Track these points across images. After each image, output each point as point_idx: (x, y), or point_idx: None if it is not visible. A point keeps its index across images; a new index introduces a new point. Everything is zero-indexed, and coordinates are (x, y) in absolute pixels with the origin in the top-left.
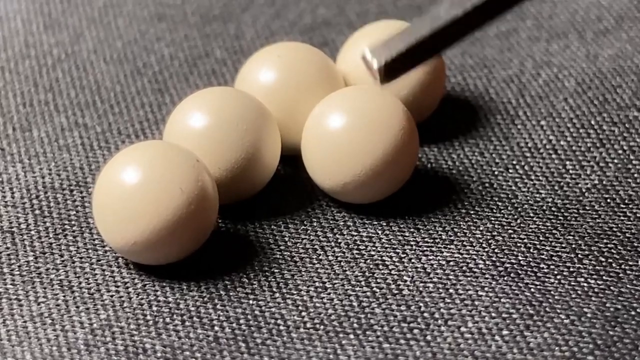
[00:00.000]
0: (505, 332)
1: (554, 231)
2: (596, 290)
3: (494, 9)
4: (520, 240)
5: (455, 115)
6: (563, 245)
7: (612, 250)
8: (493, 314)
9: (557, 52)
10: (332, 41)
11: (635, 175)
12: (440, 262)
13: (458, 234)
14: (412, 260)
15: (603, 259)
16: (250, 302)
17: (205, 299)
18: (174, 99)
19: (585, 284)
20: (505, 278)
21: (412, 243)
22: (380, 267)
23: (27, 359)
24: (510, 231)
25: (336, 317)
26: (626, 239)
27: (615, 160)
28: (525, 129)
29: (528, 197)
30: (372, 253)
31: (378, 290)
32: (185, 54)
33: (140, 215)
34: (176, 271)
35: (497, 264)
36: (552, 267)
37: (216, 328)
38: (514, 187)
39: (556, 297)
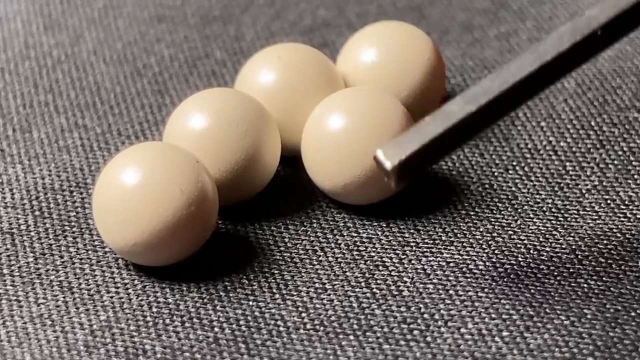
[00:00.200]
0: (505, 333)
1: (554, 232)
2: (596, 291)
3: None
4: (520, 242)
5: None
6: (563, 247)
7: (612, 252)
8: (493, 315)
9: None
10: (332, 42)
11: (636, 176)
12: (440, 263)
13: (458, 235)
14: (412, 262)
15: (603, 260)
16: (250, 303)
17: (205, 300)
18: (174, 100)
19: (585, 285)
20: (505, 279)
21: (412, 244)
22: (380, 268)
23: None
24: (510, 232)
25: (336, 318)
26: (626, 240)
27: (615, 162)
28: (525, 130)
29: (528, 198)
30: (372, 254)
31: (378, 291)
32: (185, 55)
33: (140, 216)
34: (176, 272)
35: (497, 265)
36: (552, 268)
37: (216, 329)
38: (514, 188)
39: (556, 298)
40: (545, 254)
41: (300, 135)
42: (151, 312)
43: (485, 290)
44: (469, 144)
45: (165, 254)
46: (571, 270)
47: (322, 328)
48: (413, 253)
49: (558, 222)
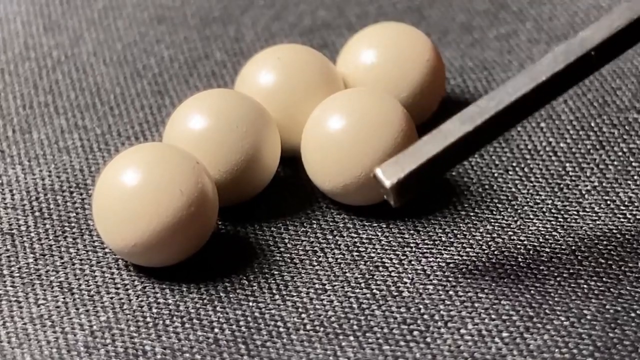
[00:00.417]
0: (505, 334)
1: (553, 233)
2: (596, 292)
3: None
4: (520, 242)
5: None
6: (563, 247)
7: (612, 252)
8: (493, 316)
9: None
10: (331, 43)
11: (635, 177)
12: (440, 264)
13: (458, 235)
14: (412, 262)
15: (603, 261)
16: (250, 304)
17: (205, 300)
18: (174, 101)
19: (585, 286)
20: (505, 280)
21: (412, 245)
22: (380, 269)
23: None
24: (510, 233)
25: (336, 319)
26: (626, 241)
27: (615, 162)
28: (525, 130)
29: (528, 199)
30: (372, 255)
31: (378, 292)
32: (185, 56)
33: (140, 217)
34: (176, 273)
35: (497, 265)
36: (552, 268)
37: (216, 330)
38: (513, 189)
39: (556, 299)
40: (545, 254)
41: (300, 136)
42: (151, 313)
43: (485, 291)
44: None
45: (165, 254)
46: (571, 271)
47: (322, 329)
48: (413, 254)
49: (558, 223)
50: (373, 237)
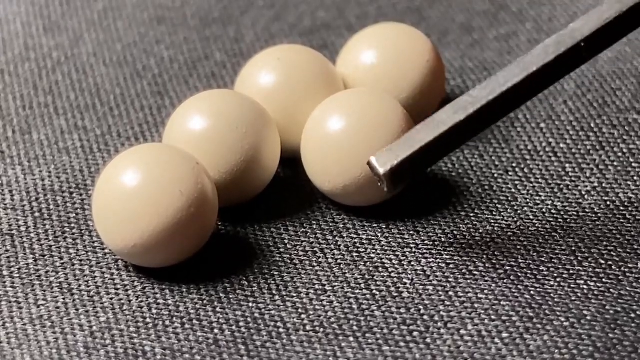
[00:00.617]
0: (505, 334)
1: (553, 234)
2: (596, 292)
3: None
4: (519, 243)
5: None
6: (563, 248)
7: (612, 253)
8: (493, 317)
9: None
10: (331, 44)
11: (635, 177)
12: (440, 264)
13: (458, 236)
14: (412, 263)
15: (603, 262)
16: (250, 304)
17: (205, 301)
18: (174, 101)
19: (585, 287)
20: (505, 281)
21: (411, 245)
22: (380, 269)
23: None
24: (509, 234)
25: (336, 320)
26: (626, 242)
27: (615, 163)
28: (524, 131)
29: (528, 200)
30: (372, 256)
31: (378, 292)
32: (185, 57)
33: (140, 217)
34: (176, 274)
35: (497, 266)
36: (551, 269)
37: (216, 331)
38: (513, 190)
39: (556, 300)
40: (544, 255)
41: (300, 136)
42: (151, 314)
43: (485, 291)
44: (468, 146)
45: (165, 255)
46: (571, 271)
47: (322, 329)
48: (413, 254)
49: (558, 224)
50: (373, 237)
